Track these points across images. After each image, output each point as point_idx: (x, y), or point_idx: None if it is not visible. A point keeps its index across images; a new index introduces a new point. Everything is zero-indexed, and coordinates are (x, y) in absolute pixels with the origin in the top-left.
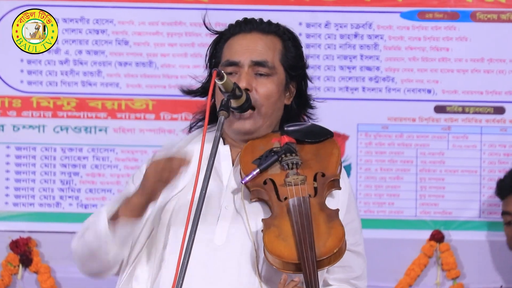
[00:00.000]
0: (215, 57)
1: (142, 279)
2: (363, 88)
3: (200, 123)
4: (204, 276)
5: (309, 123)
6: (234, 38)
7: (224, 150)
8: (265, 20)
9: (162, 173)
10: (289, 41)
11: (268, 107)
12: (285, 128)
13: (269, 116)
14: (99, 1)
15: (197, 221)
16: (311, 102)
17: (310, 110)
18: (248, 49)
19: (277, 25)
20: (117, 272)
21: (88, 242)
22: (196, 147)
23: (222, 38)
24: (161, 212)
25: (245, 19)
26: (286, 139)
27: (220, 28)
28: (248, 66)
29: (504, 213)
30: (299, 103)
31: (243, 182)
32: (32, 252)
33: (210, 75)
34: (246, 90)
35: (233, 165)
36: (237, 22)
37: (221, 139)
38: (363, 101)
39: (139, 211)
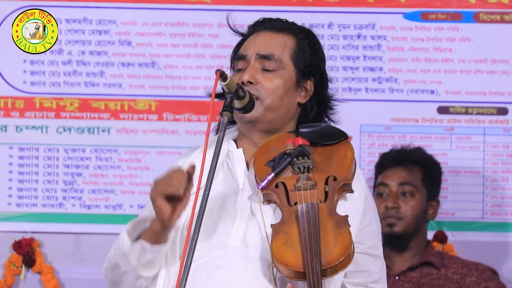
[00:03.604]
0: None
1: (159, 283)
2: (366, 89)
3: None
4: (220, 278)
5: (324, 124)
6: (248, 38)
7: (237, 154)
8: (283, 19)
9: (165, 189)
10: (304, 41)
11: (273, 100)
12: (300, 130)
13: (275, 109)
14: (102, 2)
15: (200, 221)
16: (331, 102)
17: (331, 111)
18: (256, 44)
19: (292, 23)
20: None
21: (115, 264)
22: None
23: (243, 40)
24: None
25: (262, 19)
26: (300, 141)
27: (226, 30)
28: (254, 60)
29: (380, 184)
30: (317, 103)
31: (259, 187)
32: (35, 253)
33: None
34: (249, 83)
35: (247, 168)
36: (254, 23)
37: (234, 143)
38: (366, 102)
39: (161, 238)
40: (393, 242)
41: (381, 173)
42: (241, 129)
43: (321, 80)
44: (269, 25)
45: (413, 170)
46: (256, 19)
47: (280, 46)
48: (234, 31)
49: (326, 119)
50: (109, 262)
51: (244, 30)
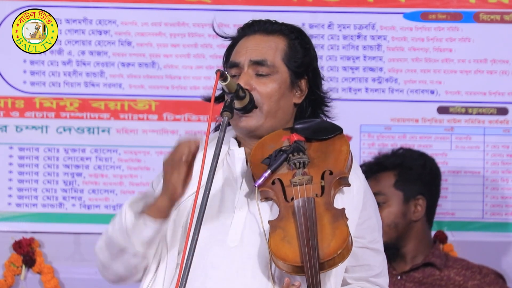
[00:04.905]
0: (228, 61)
1: (157, 284)
2: (366, 89)
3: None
4: (218, 277)
5: (319, 120)
6: (239, 41)
7: (239, 153)
8: (272, 20)
9: (176, 163)
10: (295, 40)
11: (270, 105)
12: (295, 126)
13: (273, 114)
14: (102, 2)
15: (200, 221)
16: (326, 100)
17: (326, 108)
18: (248, 50)
19: (282, 24)
20: (140, 278)
21: (113, 240)
22: (210, 150)
23: (234, 43)
24: (175, 217)
25: (251, 21)
26: (295, 137)
27: (225, 30)
28: (247, 66)
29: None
30: (312, 101)
31: (256, 185)
32: (35, 253)
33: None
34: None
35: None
36: (244, 25)
37: (235, 141)
38: (366, 102)
39: (165, 213)
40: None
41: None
42: (240, 136)
43: (315, 78)
44: (259, 28)
45: (381, 177)
46: (246, 21)
47: (272, 49)
48: (221, 36)
49: (322, 116)
50: (105, 240)
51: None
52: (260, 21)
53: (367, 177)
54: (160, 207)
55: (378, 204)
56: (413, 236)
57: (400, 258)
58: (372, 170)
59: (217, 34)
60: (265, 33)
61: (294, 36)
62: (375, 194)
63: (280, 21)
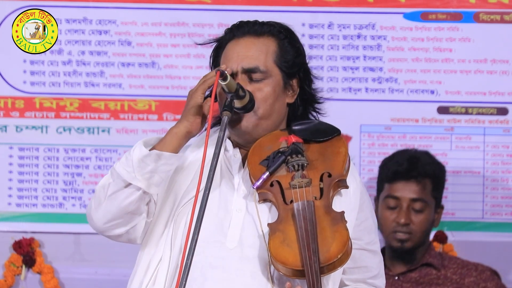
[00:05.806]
0: (216, 63)
1: (159, 282)
2: (366, 89)
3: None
4: (217, 279)
5: (316, 121)
6: (228, 44)
7: (236, 153)
8: (261, 20)
9: (200, 90)
10: (285, 40)
11: (265, 109)
12: (292, 127)
13: (268, 117)
14: (102, 2)
15: (200, 221)
16: (317, 97)
17: (318, 105)
18: (239, 56)
19: (271, 24)
20: (122, 233)
21: (118, 174)
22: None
23: (222, 44)
24: (175, 218)
25: (239, 23)
26: (293, 138)
27: (222, 31)
28: (240, 73)
29: (390, 197)
30: (303, 100)
31: (254, 187)
32: (35, 253)
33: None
34: None
35: (243, 167)
36: (232, 26)
37: (230, 142)
38: (366, 102)
39: (176, 142)
40: (401, 256)
41: (391, 183)
42: (236, 139)
43: (306, 76)
44: (248, 30)
45: (424, 183)
46: (232, 24)
47: (263, 53)
48: (205, 43)
49: (314, 114)
50: (108, 178)
51: None
52: (248, 22)
53: (410, 177)
54: (174, 133)
55: (417, 210)
56: (426, 242)
57: (406, 260)
58: (419, 173)
59: (206, 42)
60: (254, 35)
61: (283, 36)
62: (418, 200)
63: (279, 21)
